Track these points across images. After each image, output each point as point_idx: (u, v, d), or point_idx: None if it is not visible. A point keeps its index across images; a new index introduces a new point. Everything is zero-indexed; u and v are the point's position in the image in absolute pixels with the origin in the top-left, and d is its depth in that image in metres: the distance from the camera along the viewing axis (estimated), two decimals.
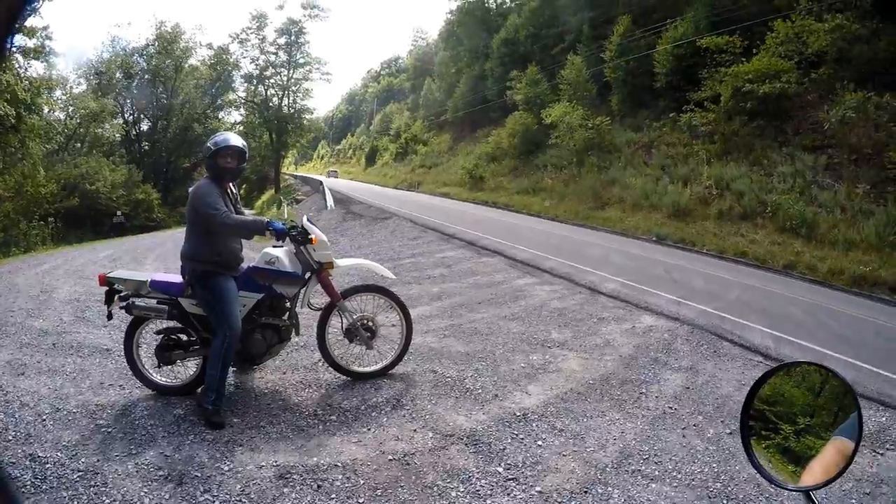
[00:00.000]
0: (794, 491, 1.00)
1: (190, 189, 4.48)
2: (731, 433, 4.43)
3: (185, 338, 4.41)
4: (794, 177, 16.55)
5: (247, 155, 4.35)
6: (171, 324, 4.39)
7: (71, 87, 40.03)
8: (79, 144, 36.90)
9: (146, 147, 44.81)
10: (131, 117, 44.44)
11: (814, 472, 0.98)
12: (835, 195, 15.29)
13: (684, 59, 22.34)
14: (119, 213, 30.55)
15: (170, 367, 4.48)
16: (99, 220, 29.99)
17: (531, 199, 24.61)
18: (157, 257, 13.74)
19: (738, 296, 10.03)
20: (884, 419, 5.18)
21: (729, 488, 3.73)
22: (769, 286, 11.42)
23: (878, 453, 4.50)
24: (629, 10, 26.87)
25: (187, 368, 4.55)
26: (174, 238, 18.71)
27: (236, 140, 4.27)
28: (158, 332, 4.41)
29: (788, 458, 1.03)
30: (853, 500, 3.78)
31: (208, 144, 4.20)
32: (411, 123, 54.87)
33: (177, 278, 4.32)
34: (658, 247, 15.65)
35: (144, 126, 45.56)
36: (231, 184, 4.40)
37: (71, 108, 37.09)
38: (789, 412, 1.05)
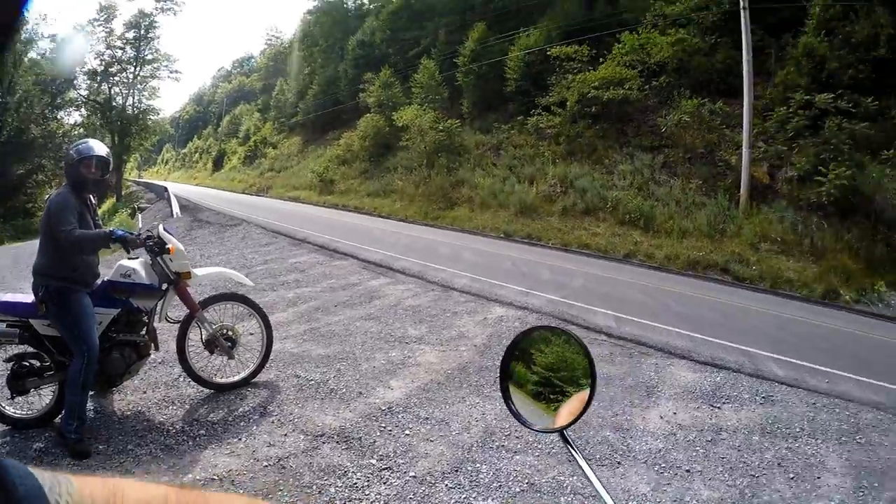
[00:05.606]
0: (547, 432, 1.13)
1: (48, 197, 4.20)
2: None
3: (38, 363, 4.04)
4: (633, 174, 17.65)
5: (110, 165, 4.09)
6: (23, 349, 4.03)
7: None
8: None
9: None
10: None
11: (562, 416, 1.11)
12: (670, 190, 16.52)
13: (534, 65, 22.99)
14: None
15: (23, 397, 4.07)
16: None
17: (382, 202, 24.36)
18: None
19: (582, 284, 10.41)
20: (718, 378, 5.70)
21: (585, 452, 3.92)
22: (610, 274, 11.99)
23: (715, 407, 4.99)
24: (484, 18, 27.50)
25: (42, 397, 4.16)
26: (9, 255, 17.15)
27: (101, 149, 3.99)
28: (8, 360, 4.01)
29: (543, 408, 1.16)
30: (699, 448, 4.22)
31: (71, 152, 3.96)
32: (261, 125, 52.76)
33: (27, 298, 3.96)
34: (506, 243, 16.06)
35: None
36: (92, 195, 4.12)
37: None
38: (542, 370, 1.20)
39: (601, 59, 20.93)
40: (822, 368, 6.31)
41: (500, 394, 4.00)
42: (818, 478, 3.93)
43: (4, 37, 0.35)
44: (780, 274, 12.29)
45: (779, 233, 13.66)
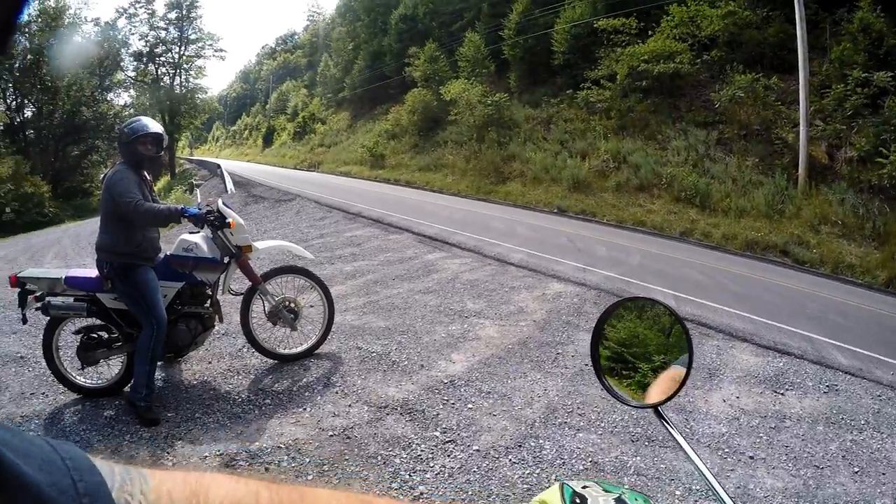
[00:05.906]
0: (643, 408, 1.13)
1: (104, 175, 4.26)
2: None
3: (106, 335, 4.22)
4: (687, 150, 17.32)
5: (164, 141, 4.18)
6: (91, 321, 4.19)
7: None
8: None
9: (31, 135, 39.38)
10: (14, 103, 38.95)
11: (654, 394, 1.11)
12: (726, 167, 16.16)
13: (581, 38, 22.59)
14: (7, 209, 27.49)
15: (93, 367, 4.25)
16: None
17: (433, 176, 24.43)
18: (55, 255, 12.85)
19: (639, 261, 10.38)
20: (780, 364, 5.65)
21: (648, 431, 4.00)
22: (667, 252, 11.86)
23: (778, 394, 4.93)
24: None
25: (111, 367, 4.34)
26: (70, 234, 17.78)
27: (155, 126, 4.09)
28: (78, 332, 4.18)
29: (633, 384, 1.15)
30: (762, 435, 4.19)
31: (125, 130, 4.03)
32: (308, 101, 53.17)
33: (93, 273, 4.12)
34: (560, 218, 15.97)
35: (28, 112, 39.88)
36: (147, 172, 4.21)
37: None
38: (633, 344, 1.18)
39: (650, 32, 20.50)
40: (888, 360, 6.16)
41: (577, 369, 4.59)
42: (883, 474, 3.83)
43: (4, 36, 0.34)
44: (842, 259, 11.96)
45: (839, 215, 13.23)
